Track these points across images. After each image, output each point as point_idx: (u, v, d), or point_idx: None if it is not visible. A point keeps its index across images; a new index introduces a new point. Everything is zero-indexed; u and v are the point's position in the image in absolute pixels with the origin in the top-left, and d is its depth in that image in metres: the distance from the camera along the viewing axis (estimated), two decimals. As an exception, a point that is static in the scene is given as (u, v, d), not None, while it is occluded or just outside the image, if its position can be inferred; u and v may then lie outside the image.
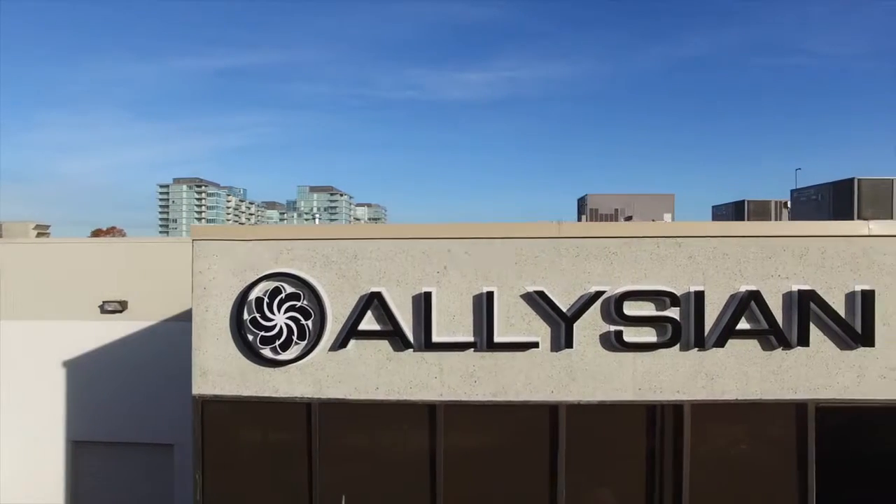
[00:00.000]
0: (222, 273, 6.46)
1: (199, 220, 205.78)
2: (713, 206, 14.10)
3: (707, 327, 6.28)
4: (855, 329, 6.27)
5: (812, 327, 6.30)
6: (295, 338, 6.37)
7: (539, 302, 6.29)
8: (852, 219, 10.19)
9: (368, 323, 6.39)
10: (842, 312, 6.29)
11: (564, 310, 6.28)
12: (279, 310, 6.37)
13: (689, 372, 6.33)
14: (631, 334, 6.29)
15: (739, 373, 6.33)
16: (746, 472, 6.44)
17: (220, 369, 6.47)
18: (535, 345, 6.31)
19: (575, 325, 6.28)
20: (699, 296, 6.25)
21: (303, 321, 6.38)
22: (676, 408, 6.37)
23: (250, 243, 6.48)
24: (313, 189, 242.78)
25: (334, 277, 6.43)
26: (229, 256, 6.47)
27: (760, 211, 12.68)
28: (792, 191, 11.74)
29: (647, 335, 6.32)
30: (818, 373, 6.34)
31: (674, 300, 6.26)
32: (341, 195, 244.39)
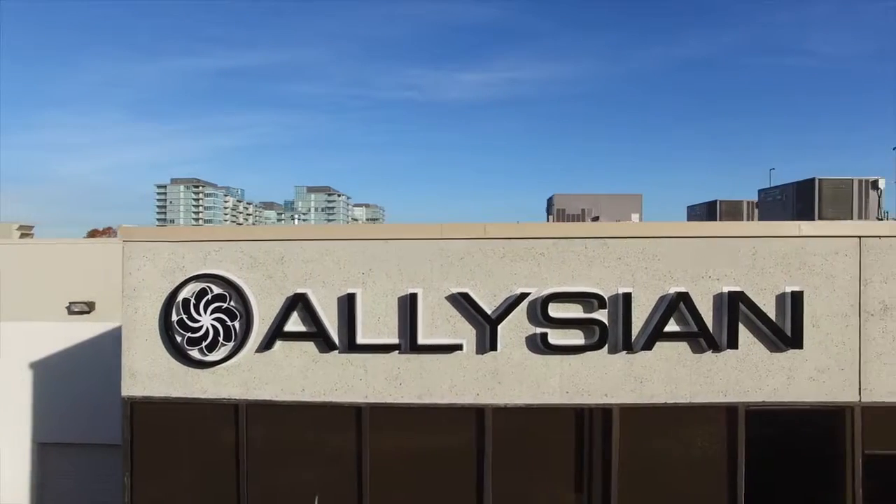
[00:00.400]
0: (151, 275, 6.48)
1: (197, 220, 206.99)
2: (688, 207, 13.93)
3: (635, 330, 6.19)
4: (785, 331, 6.15)
5: (742, 329, 6.19)
6: (221, 339, 6.37)
7: (464, 304, 6.24)
8: (813, 219, 10.01)
9: (294, 324, 6.38)
10: (772, 314, 6.18)
11: (489, 312, 6.21)
12: (206, 311, 6.37)
13: (617, 375, 6.24)
14: (557, 337, 6.22)
15: (669, 376, 6.23)
16: (677, 476, 6.34)
17: (149, 371, 6.48)
18: (460, 347, 6.25)
19: (500, 327, 6.21)
20: (627, 298, 6.16)
21: (229, 322, 6.38)
22: (605, 411, 6.28)
23: (179, 245, 6.49)
24: (311, 189, 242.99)
25: (261, 279, 6.41)
26: (159, 258, 6.48)
27: (732, 211, 12.51)
28: (759, 191, 11.55)
29: (575, 338, 6.24)
30: (748, 375, 6.22)
31: (601, 302, 6.18)
32: (339, 195, 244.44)
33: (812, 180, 10.03)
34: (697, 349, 6.21)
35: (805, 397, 6.23)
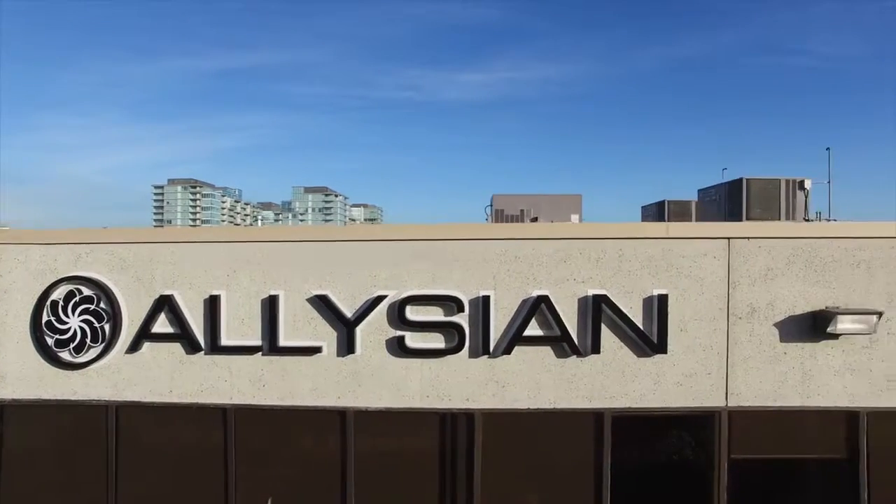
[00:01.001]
0: (23, 276, 6.54)
1: (194, 220, 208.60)
2: (642, 207, 13.70)
3: (496, 333, 6.10)
4: (651, 335, 6.01)
5: (608, 333, 6.07)
6: (89, 341, 6.41)
7: (323, 306, 6.20)
8: (740, 219, 9.78)
9: (162, 326, 6.39)
10: (639, 317, 6.05)
11: (348, 314, 6.17)
12: (73, 313, 6.42)
13: (479, 379, 6.16)
14: (417, 340, 6.15)
15: (532, 381, 6.13)
16: (541, 483, 6.23)
17: (19, 373, 6.54)
18: (320, 349, 6.21)
19: (359, 329, 6.16)
20: (486, 301, 6.07)
21: (97, 324, 6.41)
22: (468, 416, 6.20)
23: (51, 247, 6.54)
24: (308, 190, 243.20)
25: (130, 281, 6.44)
26: (30, 260, 6.54)
27: (680, 211, 12.27)
28: (699, 191, 11.33)
29: (435, 341, 6.16)
30: (614, 380, 6.10)
31: (461, 305, 6.09)
32: (336, 196, 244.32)
33: (740, 180, 9.81)
34: (561, 354, 6.10)
35: (672, 402, 6.09)
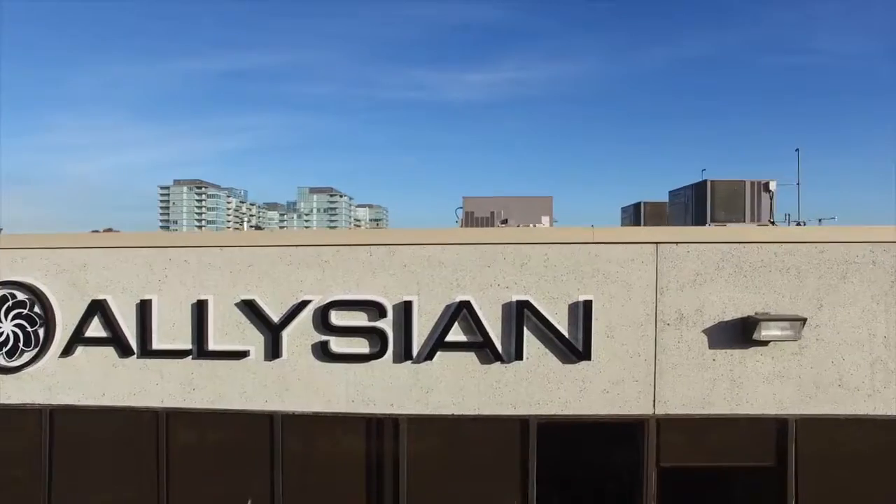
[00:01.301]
0: (-38, 280, 6.63)
1: (199, 221, 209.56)
2: (622, 208, 13.57)
3: (419, 339, 6.08)
4: (575, 342, 5.96)
5: (533, 340, 6.03)
6: (22, 345, 6.49)
7: (251, 311, 6.22)
8: (705, 221, 9.65)
9: (95, 330, 6.45)
10: (564, 323, 6.00)
11: (274, 319, 6.18)
12: (6, 317, 6.50)
13: (403, 385, 6.14)
14: (341, 345, 6.15)
15: (456, 386, 6.11)
16: (467, 490, 6.21)
17: (-42, 374, 6.64)
18: (247, 353, 6.24)
19: (285, 334, 6.18)
20: (408, 306, 6.05)
21: (30, 328, 6.49)
22: (393, 421, 6.19)
23: (-11, 251, 6.63)
24: (313, 190, 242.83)
25: (65, 285, 6.50)
26: (-31, 264, 6.63)
27: (656, 213, 12.14)
28: (669, 192, 11.18)
29: (359, 346, 6.16)
30: (539, 387, 6.06)
31: (384, 310, 6.08)
32: (341, 196, 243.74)
33: (705, 182, 9.68)
34: (485, 360, 6.07)
35: (599, 410, 6.03)
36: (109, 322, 6.39)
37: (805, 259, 5.94)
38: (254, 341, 6.27)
